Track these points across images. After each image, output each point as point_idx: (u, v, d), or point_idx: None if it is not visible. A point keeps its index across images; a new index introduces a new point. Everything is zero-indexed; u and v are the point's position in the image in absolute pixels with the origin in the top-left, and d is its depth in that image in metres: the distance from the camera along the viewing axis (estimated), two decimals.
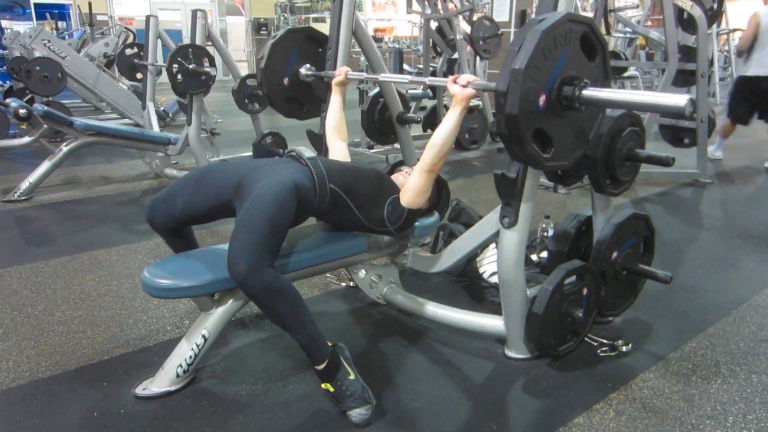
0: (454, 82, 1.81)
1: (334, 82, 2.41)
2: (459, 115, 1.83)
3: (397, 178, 2.17)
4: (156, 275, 1.73)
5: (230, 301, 1.83)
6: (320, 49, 2.64)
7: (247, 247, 1.59)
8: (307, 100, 2.70)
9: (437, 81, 2.04)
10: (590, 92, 1.57)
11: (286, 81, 2.63)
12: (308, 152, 1.95)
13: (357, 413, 1.69)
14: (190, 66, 4.11)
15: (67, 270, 2.84)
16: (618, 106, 1.63)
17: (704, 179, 4.69)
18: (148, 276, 1.73)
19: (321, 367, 1.71)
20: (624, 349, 2.09)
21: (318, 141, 2.64)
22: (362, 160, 5.31)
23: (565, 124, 1.68)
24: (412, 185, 1.94)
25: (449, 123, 1.84)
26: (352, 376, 1.74)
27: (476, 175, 5.00)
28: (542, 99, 1.57)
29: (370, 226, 1.99)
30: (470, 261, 2.63)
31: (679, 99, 1.38)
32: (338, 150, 2.30)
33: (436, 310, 2.20)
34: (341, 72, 2.39)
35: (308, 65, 2.63)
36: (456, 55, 5.75)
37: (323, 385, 1.73)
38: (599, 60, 1.70)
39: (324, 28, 2.77)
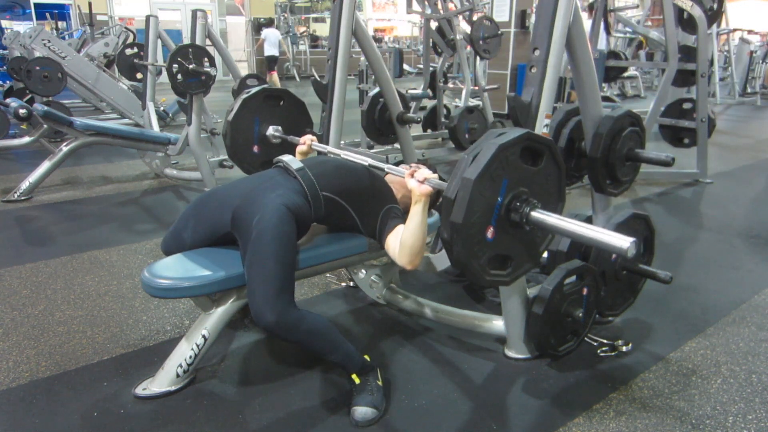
0: (411, 175, 1.71)
1: (298, 150, 2.33)
2: (422, 212, 1.70)
3: (395, 176, 2.17)
4: (156, 275, 1.73)
5: (230, 301, 1.83)
6: (281, 103, 2.56)
7: (269, 297, 1.62)
8: None
9: (395, 170, 1.86)
10: (538, 215, 1.48)
11: (255, 149, 2.54)
12: (296, 162, 1.91)
13: (363, 411, 1.70)
14: (190, 66, 4.10)
15: (67, 270, 2.84)
16: (563, 234, 1.53)
17: (704, 179, 4.69)
18: (148, 276, 1.73)
19: (355, 372, 1.77)
20: (624, 349, 2.09)
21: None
22: None
23: (517, 238, 1.60)
24: (390, 254, 1.86)
25: (414, 222, 1.70)
26: (379, 382, 1.80)
27: None
28: (489, 232, 1.50)
29: (365, 232, 1.98)
30: None
31: (623, 241, 1.32)
32: None
33: (436, 310, 2.20)
34: (305, 141, 2.31)
35: (273, 126, 2.52)
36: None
37: (351, 375, 1.77)
38: (547, 160, 1.58)
39: (324, 28, 2.75)
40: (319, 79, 2.74)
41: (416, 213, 1.71)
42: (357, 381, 1.76)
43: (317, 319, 1.73)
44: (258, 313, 1.62)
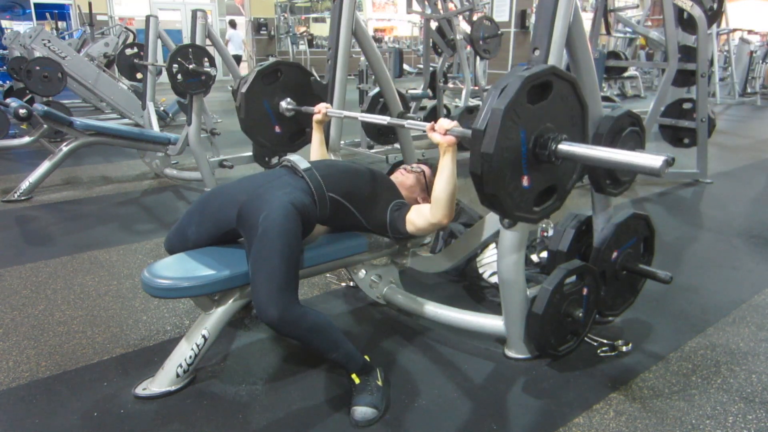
0: (433, 129, 1.72)
1: (314, 120, 2.35)
2: (452, 163, 1.73)
3: (396, 177, 2.18)
4: (156, 275, 1.73)
5: (230, 301, 1.83)
6: (278, 74, 2.53)
7: (273, 293, 1.62)
8: (307, 125, 2.66)
9: (415, 125, 1.93)
10: (565, 148, 1.49)
11: (277, 129, 2.54)
12: (303, 162, 1.92)
13: (363, 411, 1.70)
14: (190, 66, 4.10)
15: (67, 270, 2.84)
16: (592, 162, 1.56)
17: (704, 179, 4.69)
18: (148, 276, 1.73)
19: (355, 372, 1.77)
20: (624, 349, 2.09)
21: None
22: (362, 161, 5.31)
23: (552, 169, 1.62)
24: (419, 227, 1.89)
25: (446, 173, 1.74)
26: (380, 383, 1.80)
27: None
28: (525, 180, 1.52)
29: (371, 228, 2.00)
30: (470, 261, 2.63)
31: (654, 160, 1.34)
32: None
33: (436, 310, 2.20)
34: (320, 110, 2.33)
35: (285, 101, 2.51)
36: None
37: (351, 375, 1.77)
38: (556, 85, 1.55)
39: (324, 28, 2.74)
40: (318, 79, 2.74)
41: (446, 164, 1.74)
42: (357, 381, 1.76)
43: (319, 316, 1.73)
44: (261, 308, 1.62)
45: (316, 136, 2.38)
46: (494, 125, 1.41)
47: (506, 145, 1.43)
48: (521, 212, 1.54)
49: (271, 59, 2.61)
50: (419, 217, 1.89)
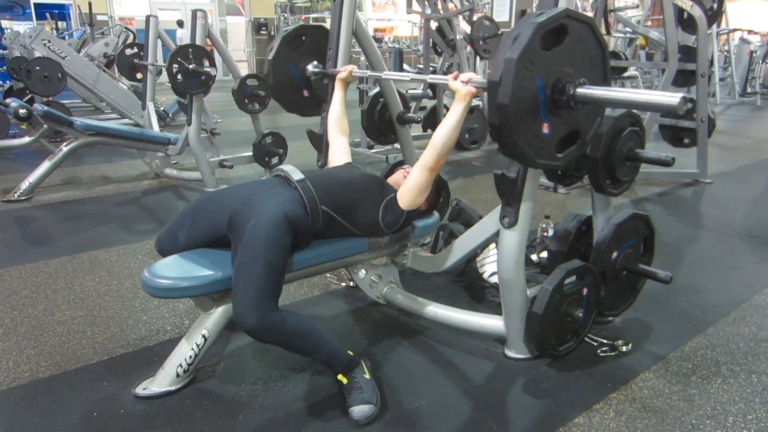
0: (455, 79, 1.80)
1: (338, 77, 2.41)
2: (462, 112, 1.81)
3: (397, 178, 2.17)
4: (156, 275, 1.73)
5: (230, 301, 1.83)
6: (303, 38, 2.58)
7: (251, 299, 1.61)
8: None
9: (438, 79, 2.02)
10: (583, 91, 1.53)
11: (306, 93, 2.62)
12: (297, 173, 1.90)
13: (360, 410, 1.70)
14: (190, 66, 4.11)
15: (67, 270, 2.84)
16: (611, 104, 1.58)
17: (704, 179, 4.69)
18: (148, 276, 1.73)
19: (341, 372, 1.77)
20: (624, 349, 2.09)
21: (318, 141, 2.63)
22: (362, 160, 5.31)
23: (572, 115, 1.66)
24: (412, 183, 1.92)
25: (452, 120, 1.82)
26: (367, 376, 1.80)
27: (476, 175, 5.00)
28: (545, 128, 1.54)
29: (365, 234, 1.99)
30: (470, 261, 2.63)
31: (672, 98, 1.36)
32: (339, 145, 2.32)
33: (436, 310, 2.20)
34: (346, 69, 2.40)
35: (311, 64, 2.58)
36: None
37: (338, 376, 1.77)
38: (572, 29, 1.56)
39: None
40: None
41: (456, 112, 1.80)
42: (345, 381, 1.76)
43: (299, 320, 1.72)
44: (239, 314, 1.61)
45: (338, 94, 2.41)
46: (508, 75, 1.42)
47: (522, 94, 1.44)
48: (544, 159, 1.56)
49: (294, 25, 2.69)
50: (406, 183, 1.93)
